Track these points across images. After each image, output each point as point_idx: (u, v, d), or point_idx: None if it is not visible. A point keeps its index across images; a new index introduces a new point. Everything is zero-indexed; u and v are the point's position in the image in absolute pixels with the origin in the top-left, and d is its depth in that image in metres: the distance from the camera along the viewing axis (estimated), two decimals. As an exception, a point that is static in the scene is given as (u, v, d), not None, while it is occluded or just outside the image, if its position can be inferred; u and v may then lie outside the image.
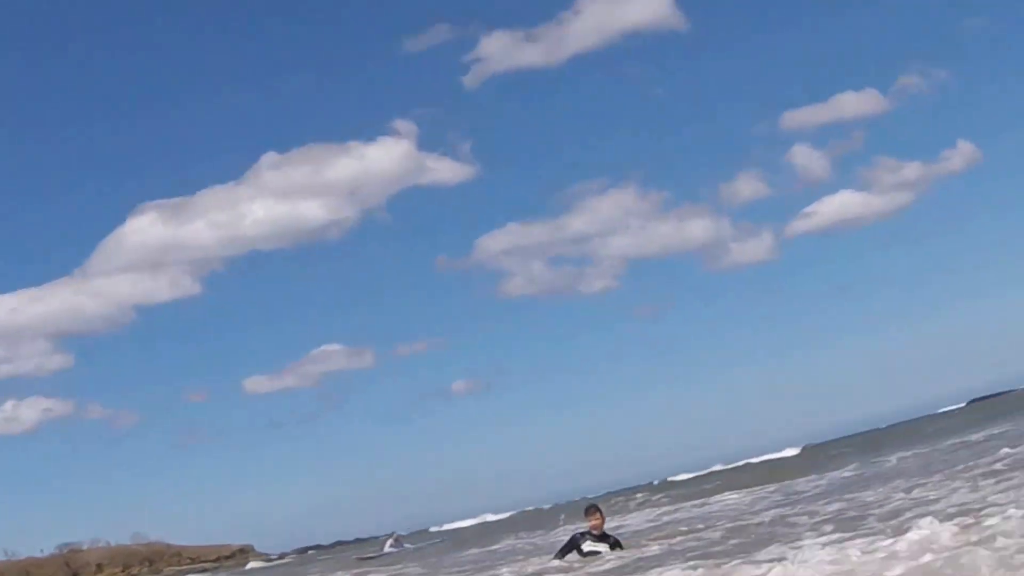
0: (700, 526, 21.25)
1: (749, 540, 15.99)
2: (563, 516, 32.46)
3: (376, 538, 64.77)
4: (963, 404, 72.98)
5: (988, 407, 59.67)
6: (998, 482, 16.98)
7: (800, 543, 13.62)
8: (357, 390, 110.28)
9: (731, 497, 31.43)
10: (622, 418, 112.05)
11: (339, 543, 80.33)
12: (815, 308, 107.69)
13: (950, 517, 12.56)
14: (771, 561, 12.06)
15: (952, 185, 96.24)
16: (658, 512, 32.34)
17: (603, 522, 16.65)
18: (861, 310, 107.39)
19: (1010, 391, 73.22)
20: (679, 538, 18.72)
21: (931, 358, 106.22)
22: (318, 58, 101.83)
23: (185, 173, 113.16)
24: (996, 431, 34.97)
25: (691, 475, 63.29)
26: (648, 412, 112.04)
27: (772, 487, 32.14)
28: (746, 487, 34.29)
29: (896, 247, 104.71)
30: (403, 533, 54.71)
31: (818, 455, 53.03)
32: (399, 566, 29.43)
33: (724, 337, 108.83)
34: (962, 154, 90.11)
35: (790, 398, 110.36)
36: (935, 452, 31.65)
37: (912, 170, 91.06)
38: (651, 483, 67.26)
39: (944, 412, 68.97)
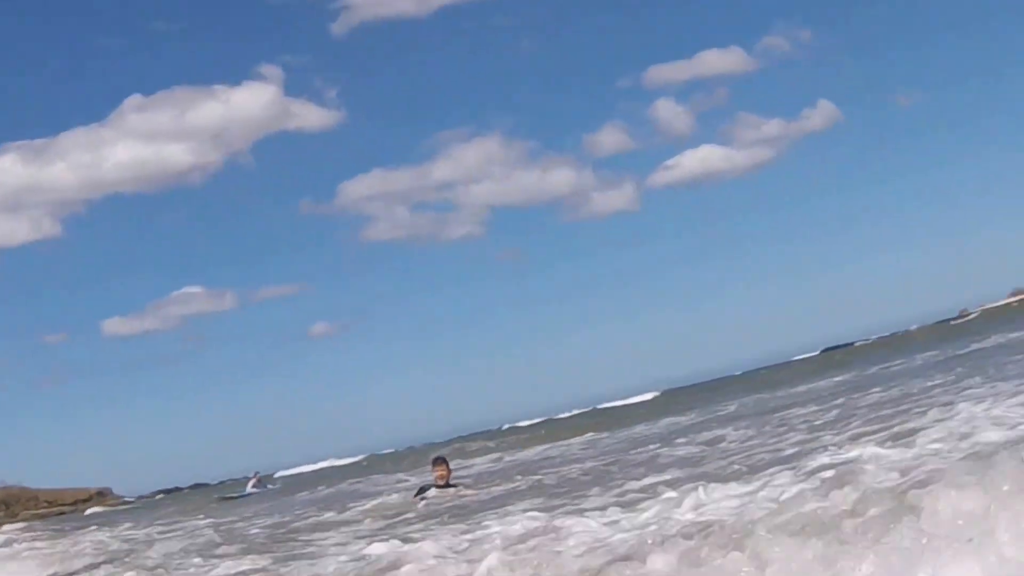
0: (534, 469, 21.70)
1: (577, 483, 16.41)
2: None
3: (236, 480, 64.43)
4: (816, 353, 75.15)
5: (839, 356, 61.64)
6: (812, 429, 17.63)
7: (618, 487, 14.06)
8: (217, 332, 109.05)
9: (573, 441, 32.17)
10: (479, 364, 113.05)
11: (199, 485, 79.84)
12: (674, 257, 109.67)
13: (771, 464, 13.07)
14: (593, 509, 12.46)
15: (812, 143, 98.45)
16: (498, 456, 32.93)
17: (448, 473, 17.12)
18: (719, 261, 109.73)
19: (860, 341, 75.69)
20: (519, 479, 19.09)
21: (787, 309, 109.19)
22: (185, 0, 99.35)
23: (48, 114, 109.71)
24: (840, 379, 36.26)
25: (539, 419, 64.31)
26: (506, 358, 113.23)
27: (609, 432, 32.97)
28: (588, 431, 35.10)
29: (756, 201, 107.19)
30: (264, 473, 54.49)
31: (670, 401, 54.31)
32: (260, 506, 29.47)
33: (585, 284, 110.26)
34: (822, 113, 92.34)
35: (649, 345, 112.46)
36: (777, 398, 32.64)
37: (773, 127, 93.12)
38: (500, 427, 68.09)
39: (798, 360, 70.97)
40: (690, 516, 10.83)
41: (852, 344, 74.10)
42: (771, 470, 12.46)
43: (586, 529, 11.69)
